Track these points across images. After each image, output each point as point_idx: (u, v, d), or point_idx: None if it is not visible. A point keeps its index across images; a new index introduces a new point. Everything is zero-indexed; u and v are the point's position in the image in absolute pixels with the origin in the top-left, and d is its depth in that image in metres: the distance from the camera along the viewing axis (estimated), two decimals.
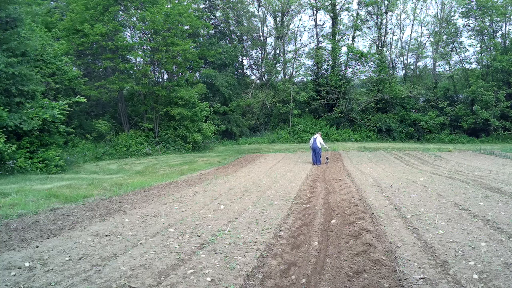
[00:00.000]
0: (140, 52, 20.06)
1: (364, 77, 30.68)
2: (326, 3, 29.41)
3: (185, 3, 21.93)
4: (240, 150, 20.73)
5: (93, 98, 19.44)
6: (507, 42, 27.50)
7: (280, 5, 29.17)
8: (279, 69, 31.48)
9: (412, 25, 38.04)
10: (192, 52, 21.09)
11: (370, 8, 29.41)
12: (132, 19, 20.05)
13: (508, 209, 5.37)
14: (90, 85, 19.02)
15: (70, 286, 3.08)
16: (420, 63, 31.82)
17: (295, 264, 3.68)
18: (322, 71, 31.33)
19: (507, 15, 26.19)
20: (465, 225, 4.62)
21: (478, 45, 28.62)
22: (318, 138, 13.08)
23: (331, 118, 28.54)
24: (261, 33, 31.58)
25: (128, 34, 21.52)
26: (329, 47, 30.47)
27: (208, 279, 3.21)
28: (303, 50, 31.94)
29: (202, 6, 28.11)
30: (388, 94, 27.28)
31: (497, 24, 27.56)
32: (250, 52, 32.66)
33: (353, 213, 5.48)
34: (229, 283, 3.14)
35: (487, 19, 26.73)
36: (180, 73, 22.93)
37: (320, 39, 31.20)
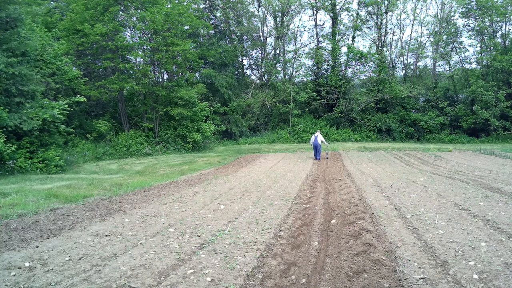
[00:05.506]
0: (140, 52, 20.06)
1: (364, 77, 30.69)
2: (326, 3, 29.41)
3: (185, 3, 21.93)
4: (240, 150, 20.73)
5: (93, 98, 19.43)
6: (507, 42, 27.49)
7: (280, 5, 29.17)
8: (279, 69, 31.48)
9: (412, 25, 38.09)
10: (192, 52, 21.08)
11: (370, 8, 29.39)
12: (132, 19, 20.05)
13: (508, 209, 5.37)
14: (90, 85, 19.01)
15: (70, 286, 3.08)
16: (420, 63, 31.89)
17: (295, 264, 3.68)
18: (322, 71, 31.32)
19: (507, 15, 26.17)
20: (465, 225, 4.62)
21: (478, 45, 28.65)
22: (319, 136, 14.59)
23: (331, 118, 28.54)
24: (261, 33, 31.62)
25: (128, 34, 21.54)
26: (329, 47, 30.44)
27: (208, 279, 3.21)
28: (303, 50, 31.95)
29: (202, 6, 28.11)
30: (388, 94, 27.26)
31: (497, 24, 27.55)
32: (250, 52, 32.65)
33: (353, 213, 5.48)
34: (229, 283, 3.14)
35: (487, 19, 26.72)
36: (180, 73, 22.92)
37: (320, 39, 31.21)
